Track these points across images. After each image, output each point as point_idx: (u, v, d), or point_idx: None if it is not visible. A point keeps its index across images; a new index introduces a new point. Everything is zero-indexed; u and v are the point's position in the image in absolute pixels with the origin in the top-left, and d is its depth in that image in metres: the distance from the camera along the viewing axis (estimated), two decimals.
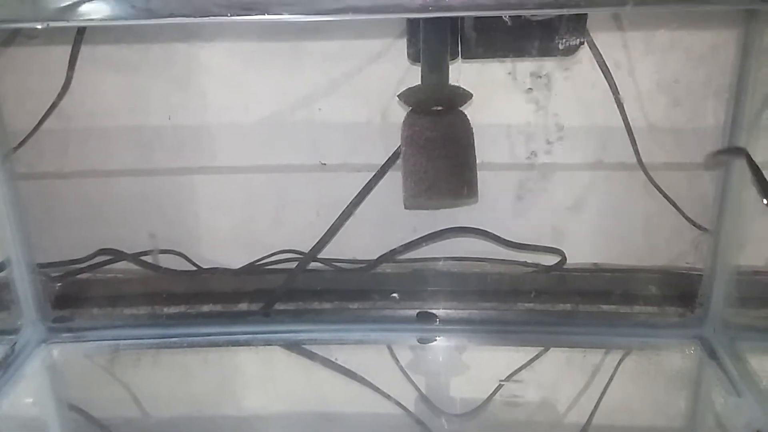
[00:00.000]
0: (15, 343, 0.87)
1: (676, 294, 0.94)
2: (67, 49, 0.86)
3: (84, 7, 0.64)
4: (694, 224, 0.91)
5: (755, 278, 0.89)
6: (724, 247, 0.85)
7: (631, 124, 0.87)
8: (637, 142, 0.88)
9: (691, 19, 0.84)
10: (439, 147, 0.82)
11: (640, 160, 0.89)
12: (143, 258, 0.98)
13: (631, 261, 0.96)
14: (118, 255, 0.97)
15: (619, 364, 0.86)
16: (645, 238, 0.94)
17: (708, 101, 0.86)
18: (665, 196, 0.90)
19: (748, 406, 0.76)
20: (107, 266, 0.98)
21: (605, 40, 0.84)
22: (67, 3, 0.64)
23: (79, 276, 0.97)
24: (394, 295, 0.97)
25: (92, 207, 0.95)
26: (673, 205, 0.91)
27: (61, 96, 0.89)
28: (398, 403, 0.80)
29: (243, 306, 0.97)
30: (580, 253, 0.96)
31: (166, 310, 0.96)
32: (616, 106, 0.87)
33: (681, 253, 0.94)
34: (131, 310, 0.96)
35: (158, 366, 0.90)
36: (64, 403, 0.85)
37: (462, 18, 0.79)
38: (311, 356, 0.89)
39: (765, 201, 0.74)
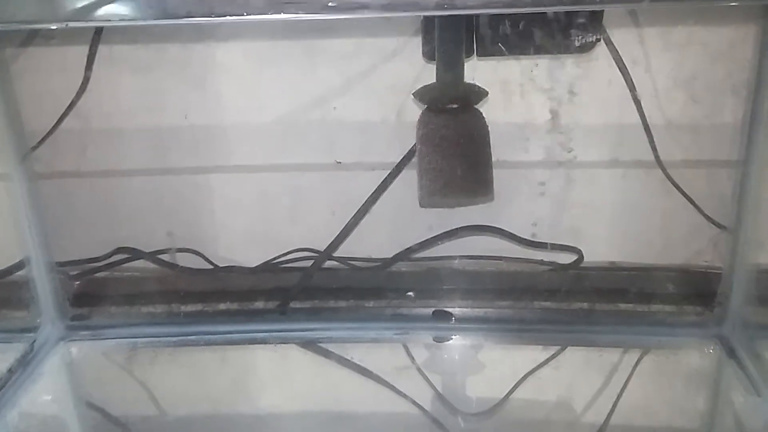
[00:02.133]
0: (34, 341, 0.88)
1: (695, 292, 0.93)
2: (84, 50, 0.87)
3: (102, 8, 0.64)
4: (713, 222, 0.90)
5: None
6: (743, 245, 0.84)
7: (648, 121, 0.87)
8: (654, 140, 0.87)
9: (709, 14, 0.83)
10: (454, 145, 0.82)
11: (657, 158, 0.88)
12: (160, 256, 0.98)
13: (649, 259, 0.95)
14: (135, 254, 0.98)
15: (637, 363, 0.86)
16: (663, 236, 0.94)
17: (726, 98, 0.85)
18: (683, 193, 0.89)
19: None
20: (125, 265, 0.98)
21: (622, 36, 0.83)
22: (85, 3, 0.64)
23: (97, 274, 0.98)
24: (410, 293, 0.97)
25: (110, 206, 0.96)
26: (691, 203, 0.90)
27: (78, 96, 0.89)
28: (414, 402, 0.80)
29: (259, 304, 0.97)
30: (597, 252, 0.95)
31: (183, 308, 0.97)
32: (633, 103, 0.86)
33: (699, 251, 0.93)
34: (149, 309, 0.97)
35: (175, 364, 0.90)
36: (82, 400, 0.86)
37: (477, 16, 0.79)
38: (327, 354, 0.89)
39: None
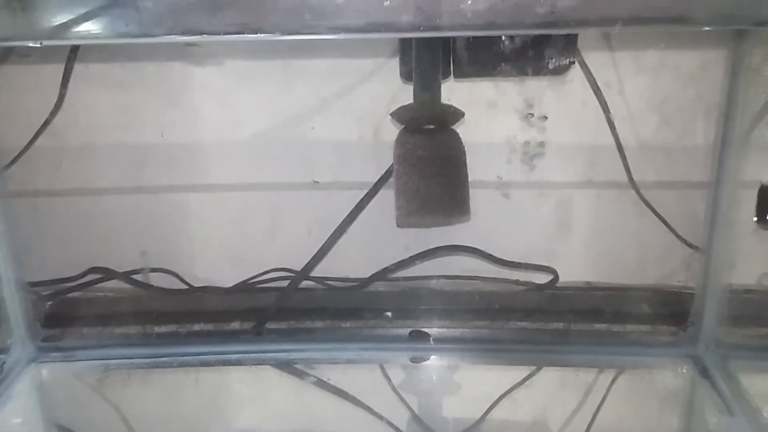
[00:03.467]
0: (4, 363, 0.87)
1: (668, 312, 0.93)
2: (60, 67, 0.86)
3: (78, 26, 0.64)
4: (686, 242, 0.91)
5: (746, 296, 0.89)
6: (716, 265, 0.85)
7: (621, 142, 0.88)
8: (627, 161, 0.89)
9: (681, 38, 0.84)
10: (431, 165, 0.82)
11: (631, 179, 0.89)
12: (134, 276, 0.97)
13: (623, 279, 0.96)
14: (109, 273, 0.96)
15: (611, 383, 0.86)
16: (637, 257, 0.95)
17: (698, 120, 0.87)
18: (656, 214, 0.91)
19: (741, 425, 0.76)
20: (98, 285, 0.97)
21: (596, 59, 0.84)
22: (61, 21, 0.64)
23: (69, 295, 0.97)
24: (387, 313, 0.96)
25: (84, 225, 0.95)
26: (664, 224, 0.91)
27: (53, 113, 0.89)
28: (390, 424, 0.80)
29: (235, 325, 0.96)
30: (572, 272, 0.96)
31: (157, 329, 0.95)
32: (606, 124, 0.87)
33: (673, 271, 0.94)
34: (122, 329, 0.95)
35: (149, 386, 0.89)
36: (53, 423, 0.84)
37: (454, 38, 0.80)
38: (303, 375, 0.88)
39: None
